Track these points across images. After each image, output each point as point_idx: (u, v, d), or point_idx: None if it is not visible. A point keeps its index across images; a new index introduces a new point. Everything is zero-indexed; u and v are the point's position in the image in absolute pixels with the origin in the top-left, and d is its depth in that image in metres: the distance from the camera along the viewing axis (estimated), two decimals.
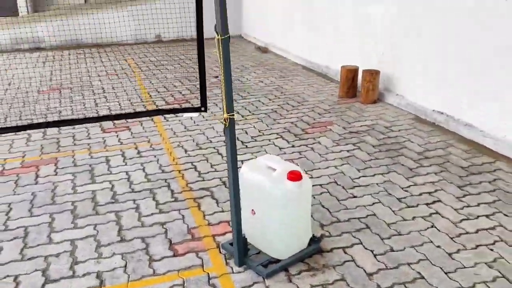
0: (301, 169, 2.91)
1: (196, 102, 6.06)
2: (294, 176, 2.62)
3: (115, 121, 5.33)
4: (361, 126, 5.18)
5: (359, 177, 3.90)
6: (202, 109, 3.35)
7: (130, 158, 4.36)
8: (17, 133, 4.99)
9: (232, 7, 11.60)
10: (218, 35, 2.36)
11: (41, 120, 5.37)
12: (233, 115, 2.46)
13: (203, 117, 5.53)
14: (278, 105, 5.99)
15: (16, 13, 17.05)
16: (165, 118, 5.49)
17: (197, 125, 5.26)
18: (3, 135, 4.89)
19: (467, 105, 4.76)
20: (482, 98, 4.56)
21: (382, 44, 6.04)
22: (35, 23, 11.14)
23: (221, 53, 2.39)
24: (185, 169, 4.10)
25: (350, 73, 6.11)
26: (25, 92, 6.72)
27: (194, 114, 5.58)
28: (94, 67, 8.43)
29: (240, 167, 2.82)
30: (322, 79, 7.31)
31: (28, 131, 5.07)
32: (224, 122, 2.46)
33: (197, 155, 4.44)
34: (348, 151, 4.49)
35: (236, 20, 11.67)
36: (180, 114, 5.56)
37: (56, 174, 4.03)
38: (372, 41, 6.26)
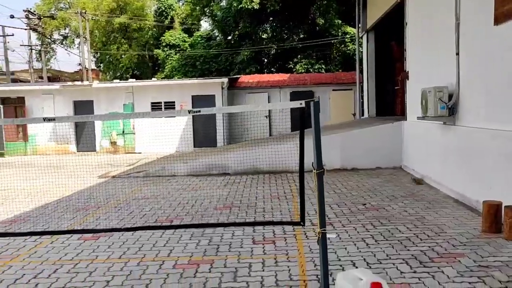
0: (385, 282, 3.37)
1: (339, 226, 6.81)
2: (375, 286, 3.14)
3: (265, 236, 6.38)
4: (494, 261, 5.14)
5: None
6: (301, 223, 4.14)
7: (268, 266, 5.24)
8: (191, 238, 6.41)
9: (394, 142, 12.38)
10: (314, 170, 3.23)
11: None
12: (325, 230, 3.20)
13: (340, 239, 6.18)
14: (414, 234, 6.27)
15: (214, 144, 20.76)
16: (306, 236, 6.31)
17: (332, 244, 5.92)
18: (181, 240, 6.37)
19: None
20: None
21: None
22: (225, 153, 13.67)
23: (316, 184, 3.23)
24: (310, 280, 4.77)
25: (492, 208, 6.11)
26: (205, 208, 8.41)
27: (332, 235, 6.28)
28: (263, 190, 9.95)
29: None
30: (471, 213, 7.28)
31: (197, 240, 6.43)
32: (318, 236, 3.21)
33: None
34: (470, 283, 4.57)
35: (397, 152, 12.32)
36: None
37: (209, 272, 5.13)
38: None
